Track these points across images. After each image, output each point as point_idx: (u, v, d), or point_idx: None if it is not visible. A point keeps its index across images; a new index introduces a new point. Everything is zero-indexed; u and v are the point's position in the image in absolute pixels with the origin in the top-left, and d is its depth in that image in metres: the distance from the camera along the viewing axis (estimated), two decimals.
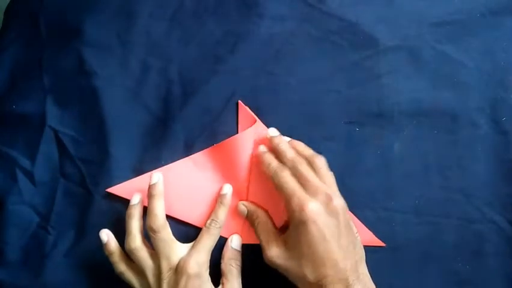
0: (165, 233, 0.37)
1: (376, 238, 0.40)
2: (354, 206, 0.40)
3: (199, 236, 0.38)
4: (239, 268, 0.39)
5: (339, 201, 0.35)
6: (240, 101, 0.43)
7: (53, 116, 0.45)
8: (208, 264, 0.37)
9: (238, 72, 0.44)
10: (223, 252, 0.39)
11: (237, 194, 0.41)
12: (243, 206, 0.40)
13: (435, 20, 0.45)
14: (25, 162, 0.44)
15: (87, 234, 0.42)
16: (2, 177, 0.44)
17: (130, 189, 0.41)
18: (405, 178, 0.42)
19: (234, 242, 0.40)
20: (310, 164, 0.37)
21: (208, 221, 0.39)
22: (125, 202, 0.41)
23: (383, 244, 0.40)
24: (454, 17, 0.45)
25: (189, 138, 0.43)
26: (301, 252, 0.34)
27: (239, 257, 0.39)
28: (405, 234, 0.41)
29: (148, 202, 0.38)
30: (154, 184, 0.38)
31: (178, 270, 0.36)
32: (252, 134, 0.41)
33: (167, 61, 0.45)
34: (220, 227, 0.39)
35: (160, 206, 0.38)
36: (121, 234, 0.39)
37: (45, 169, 0.44)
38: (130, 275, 0.38)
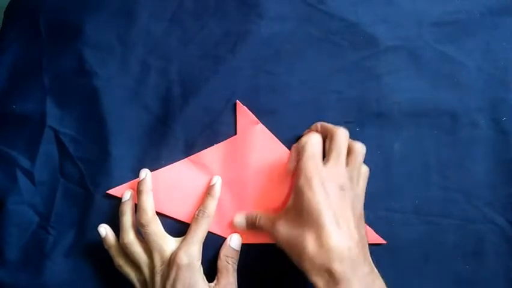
0: (154, 227, 0.38)
1: (377, 235, 0.40)
2: None
3: (189, 228, 0.39)
4: (235, 266, 0.39)
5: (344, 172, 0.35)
6: (238, 101, 0.43)
7: (53, 116, 0.45)
8: (200, 256, 0.37)
9: (238, 72, 0.44)
10: (220, 250, 0.40)
11: (237, 195, 0.41)
12: (240, 217, 0.40)
13: (435, 20, 0.45)
14: (25, 162, 0.44)
15: (87, 234, 0.42)
16: (2, 177, 0.44)
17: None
18: (405, 178, 0.42)
19: (233, 241, 0.40)
20: (331, 136, 0.36)
21: (196, 212, 0.39)
22: None
23: (383, 241, 0.40)
24: (454, 17, 0.45)
25: (189, 138, 0.43)
26: (302, 219, 0.33)
27: (236, 256, 0.39)
28: (405, 234, 0.41)
29: (137, 198, 0.39)
30: (141, 180, 0.40)
31: (169, 263, 0.36)
32: (252, 135, 0.41)
33: (167, 61, 0.45)
34: (208, 217, 0.39)
35: (147, 200, 0.39)
36: None
37: (45, 169, 0.44)
38: (127, 269, 0.38)
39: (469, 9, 0.45)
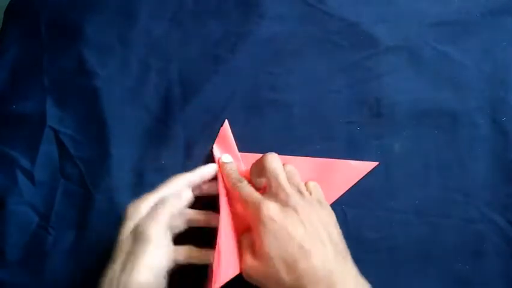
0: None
1: (367, 163, 0.41)
2: (354, 205, 0.40)
3: None
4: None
5: (297, 200, 0.33)
6: (226, 121, 0.42)
7: (53, 116, 0.45)
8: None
9: (238, 72, 0.44)
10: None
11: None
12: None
13: (435, 20, 0.45)
14: (25, 162, 0.44)
15: (87, 234, 0.42)
16: (2, 177, 0.44)
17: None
18: (405, 178, 0.42)
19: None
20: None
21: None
22: (125, 202, 0.41)
23: (376, 163, 0.40)
24: (454, 17, 0.45)
25: (189, 138, 0.43)
26: (270, 255, 0.31)
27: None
28: (405, 234, 0.41)
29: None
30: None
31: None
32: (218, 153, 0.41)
33: (167, 61, 0.45)
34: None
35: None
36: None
37: (45, 169, 0.44)
38: None
39: (469, 9, 0.45)
